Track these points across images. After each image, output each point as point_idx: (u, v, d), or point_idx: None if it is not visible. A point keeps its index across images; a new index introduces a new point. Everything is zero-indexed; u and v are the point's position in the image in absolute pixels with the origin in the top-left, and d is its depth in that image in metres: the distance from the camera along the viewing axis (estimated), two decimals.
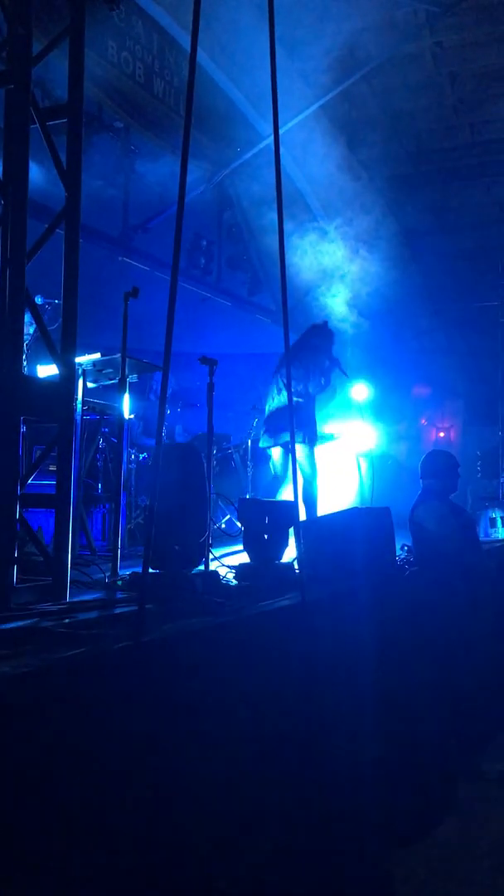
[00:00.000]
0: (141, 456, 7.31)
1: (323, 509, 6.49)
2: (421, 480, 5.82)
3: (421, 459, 5.92)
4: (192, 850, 2.78)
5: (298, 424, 6.37)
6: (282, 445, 6.67)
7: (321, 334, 6.98)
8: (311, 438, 6.71)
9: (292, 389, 6.22)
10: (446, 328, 14.33)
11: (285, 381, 6.71)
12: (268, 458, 7.03)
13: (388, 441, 10.32)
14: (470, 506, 10.49)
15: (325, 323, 7.14)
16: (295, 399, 6.51)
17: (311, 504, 6.48)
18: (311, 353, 6.78)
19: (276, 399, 6.80)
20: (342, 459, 8.45)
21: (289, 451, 6.45)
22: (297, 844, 3.24)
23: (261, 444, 7.06)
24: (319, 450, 6.97)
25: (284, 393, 6.62)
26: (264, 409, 7.04)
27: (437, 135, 12.17)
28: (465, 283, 13.87)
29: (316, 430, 6.81)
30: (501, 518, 9.67)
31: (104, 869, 2.45)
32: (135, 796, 2.61)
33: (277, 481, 6.79)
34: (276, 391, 6.82)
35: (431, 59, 10.69)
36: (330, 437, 8.30)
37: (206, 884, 2.82)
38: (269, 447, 6.82)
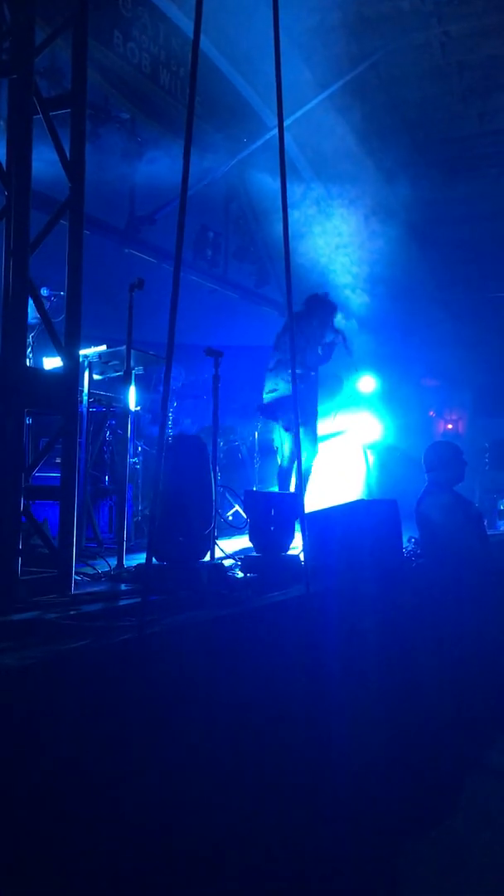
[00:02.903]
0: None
1: (329, 501, 6.44)
2: (426, 473, 5.78)
3: (424, 452, 5.87)
4: (196, 841, 2.78)
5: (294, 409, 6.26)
6: (283, 429, 6.51)
7: (321, 305, 6.64)
8: (311, 421, 6.55)
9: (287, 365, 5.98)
10: (454, 319, 14.26)
11: (270, 367, 6.58)
12: (275, 450, 6.96)
13: (396, 433, 10.28)
14: (478, 498, 10.44)
15: (326, 294, 6.83)
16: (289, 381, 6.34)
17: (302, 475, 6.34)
18: (310, 325, 6.49)
19: (269, 384, 6.59)
20: (349, 451, 8.43)
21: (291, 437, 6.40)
22: (300, 837, 3.23)
23: (274, 438, 6.95)
24: (325, 443, 6.86)
25: (280, 382, 6.47)
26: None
27: (446, 124, 12.07)
28: (473, 273, 13.80)
29: (315, 410, 6.59)
30: None
31: (108, 858, 2.45)
32: (139, 787, 2.60)
33: (284, 472, 6.71)
34: (272, 376, 6.58)
35: (439, 48, 10.60)
36: (335, 435, 8.29)
37: (210, 876, 2.81)
38: (272, 428, 6.68)
